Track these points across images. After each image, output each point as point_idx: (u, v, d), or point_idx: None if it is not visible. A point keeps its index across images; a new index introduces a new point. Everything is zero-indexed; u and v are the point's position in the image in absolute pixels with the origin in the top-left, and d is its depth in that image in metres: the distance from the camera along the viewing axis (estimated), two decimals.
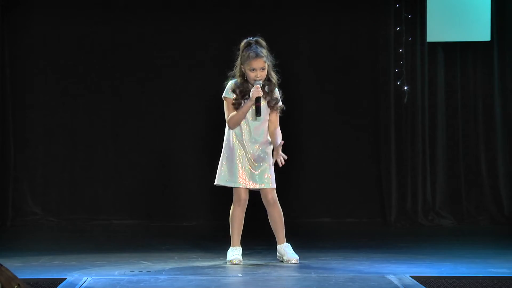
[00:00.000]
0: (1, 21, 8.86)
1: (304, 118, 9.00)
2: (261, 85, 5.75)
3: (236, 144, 5.81)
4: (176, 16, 9.02)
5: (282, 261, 5.84)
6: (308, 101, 9.02)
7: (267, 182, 5.79)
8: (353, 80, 9.10)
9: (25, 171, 9.03)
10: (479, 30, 8.69)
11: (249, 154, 5.79)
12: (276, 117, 5.88)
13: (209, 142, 8.89)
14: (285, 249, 5.86)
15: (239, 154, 5.80)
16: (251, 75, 5.76)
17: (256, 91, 5.70)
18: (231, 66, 5.92)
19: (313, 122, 9.11)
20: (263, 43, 5.85)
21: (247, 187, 5.80)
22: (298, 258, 5.81)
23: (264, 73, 5.78)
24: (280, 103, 5.87)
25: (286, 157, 5.72)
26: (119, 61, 9.06)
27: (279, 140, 5.76)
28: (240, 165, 5.79)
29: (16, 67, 8.98)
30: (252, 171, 5.78)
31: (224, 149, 5.88)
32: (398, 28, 8.89)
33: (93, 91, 9.08)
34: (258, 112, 5.72)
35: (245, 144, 5.79)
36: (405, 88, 8.90)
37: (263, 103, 5.79)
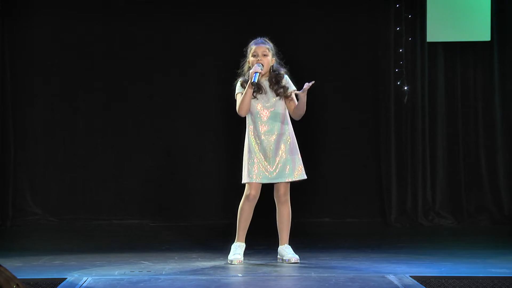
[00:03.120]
0: (1, 22, 8.86)
1: (304, 118, 8.98)
2: (261, 67, 5.74)
3: (253, 140, 5.82)
4: (179, 15, 9.02)
5: (282, 261, 5.84)
6: (307, 101, 9.00)
7: (281, 176, 5.79)
8: (353, 80, 9.10)
9: (25, 171, 9.03)
10: (479, 30, 8.69)
11: (267, 148, 5.79)
12: (291, 103, 5.86)
13: (210, 143, 8.93)
14: (286, 250, 5.87)
15: (255, 151, 5.80)
16: (253, 61, 5.78)
17: (254, 68, 5.71)
18: (234, 65, 5.92)
19: (313, 122, 9.10)
20: (270, 41, 5.89)
21: (261, 181, 5.78)
22: (298, 258, 5.81)
23: (266, 60, 5.79)
24: (290, 89, 5.85)
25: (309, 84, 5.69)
26: (119, 61, 9.06)
27: (299, 101, 5.78)
28: (256, 161, 5.78)
29: (16, 67, 8.98)
30: (268, 166, 5.78)
31: (244, 146, 5.89)
32: (398, 28, 8.90)
33: (93, 91, 9.08)
34: (253, 80, 5.68)
35: (262, 137, 5.80)
36: (405, 88, 8.90)
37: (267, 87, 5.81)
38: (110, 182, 9.10)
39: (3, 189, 8.91)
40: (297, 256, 5.83)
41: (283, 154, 5.80)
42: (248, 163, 5.81)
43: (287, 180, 5.83)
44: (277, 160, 5.79)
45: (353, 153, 9.13)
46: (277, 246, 5.95)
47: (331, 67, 9.11)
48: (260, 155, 5.79)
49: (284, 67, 5.93)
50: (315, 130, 9.12)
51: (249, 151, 5.82)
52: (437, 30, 8.72)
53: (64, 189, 9.08)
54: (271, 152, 5.79)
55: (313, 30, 9.04)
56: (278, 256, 5.91)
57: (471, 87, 9.03)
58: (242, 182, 5.87)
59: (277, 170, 5.79)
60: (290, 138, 5.86)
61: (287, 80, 5.89)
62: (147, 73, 9.08)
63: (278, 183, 5.83)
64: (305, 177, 5.89)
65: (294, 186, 8.87)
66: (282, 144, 5.81)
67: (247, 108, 5.80)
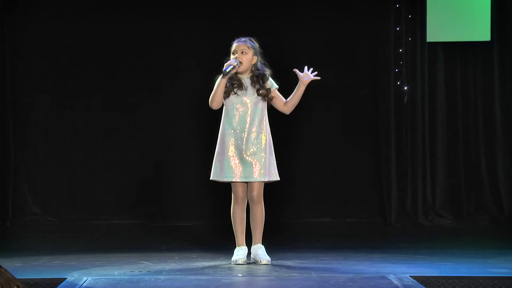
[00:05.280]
0: (1, 21, 8.86)
1: (304, 118, 8.99)
2: (237, 63, 5.71)
3: (228, 136, 5.75)
4: (174, 16, 9.03)
5: (255, 262, 5.77)
6: (307, 101, 8.98)
7: (255, 175, 5.71)
8: (353, 80, 9.10)
9: (25, 171, 9.03)
10: (479, 30, 8.69)
11: (242, 145, 5.72)
12: (278, 99, 5.82)
13: (209, 142, 8.90)
14: (258, 251, 5.79)
15: (230, 147, 5.73)
16: (232, 58, 5.76)
17: (229, 62, 5.69)
18: (219, 64, 5.91)
19: (313, 122, 9.11)
20: (255, 41, 5.86)
21: (236, 180, 5.71)
22: (269, 259, 5.73)
23: (245, 58, 5.75)
24: (273, 87, 5.80)
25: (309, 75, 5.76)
26: (118, 61, 9.06)
27: (295, 92, 5.82)
28: (231, 158, 5.72)
29: (16, 67, 8.98)
30: (243, 163, 5.71)
31: (217, 143, 5.83)
32: (398, 28, 8.90)
33: (93, 91, 9.08)
34: (224, 70, 5.66)
35: (239, 135, 5.74)
36: (405, 88, 8.91)
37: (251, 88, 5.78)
38: (110, 182, 9.10)
39: (3, 189, 8.91)
40: (268, 258, 5.73)
41: (258, 153, 5.74)
42: (221, 160, 5.75)
43: (260, 180, 5.72)
44: (252, 159, 5.72)
45: (353, 153, 9.12)
46: (251, 247, 5.86)
47: (330, 67, 9.10)
48: (234, 152, 5.73)
49: (269, 68, 5.89)
50: (314, 130, 9.12)
51: (223, 148, 5.75)
52: (437, 30, 8.72)
53: (64, 189, 9.08)
54: (246, 150, 5.72)
55: (313, 30, 9.03)
56: (252, 256, 5.81)
57: (471, 87, 9.03)
58: (211, 178, 5.79)
59: (251, 168, 5.70)
60: (266, 138, 5.79)
61: (270, 81, 5.85)
62: (147, 74, 9.08)
63: (252, 182, 5.74)
64: (278, 178, 5.80)
65: (294, 186, 8.92)
66: (259, 143, 5.74)
67: (219, 100, 5.75)
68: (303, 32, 9.04)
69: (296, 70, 5.79)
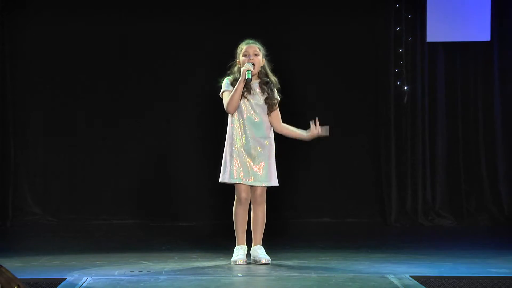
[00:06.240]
0: (1, 21, 8.86)
1: (304, 118, 8.98)
2: (253, 66, 5.72)
3: (235, 139, 5.78)
4: (175, 15, 9.03)
5: (254, 262, 5.78)
6: (308, 101, 9.02)
7: (259, 180, 5.75)
8: (353, 80, 9.10)
9: (25, 171, 9.04)
10: (479, 30, 8.70)
11: (249, 149, 5.75)
12: (277, 113, 5.86)
13: (209, 142, 8.93)
14: (258, 251, 5.81)
15: (237, 149, 5.75)
16: (244, 60, 5.76)
17: (246, 66, 5.69)
18: (229, 65, 5.91)
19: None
20: (261, 45, 5.87)
21: (244, 182, 5.74)
22: (269, 259, 5.76)
23: (257, 59, 5.77)
24: (277, 98, 5.84)
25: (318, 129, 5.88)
26: (118, 61, 9.07)
27: (297, 130, 5.90)
28: (236, 160, 5.75)
29: (16, 67, 8.98)
30: (251, 166, 5.74)
31: (225, 145, 5.86)
32: (398, 28, 8.90)
33: (93, 91, 9.09)
34: (247, 77, 5.66)
35: (249, 138, 5.76)
36: (405, 88, 8.91)
37: (261, 95, 5.80)
38: (110, 182, 9.10)
39: (3, 189, 8.91)
40: (268, 257, 5.76)
41: (265, 157, 5.78)
42: (229, 162, 5.78)
43: (265, 185, 5.78)
44: (259, 163, 5.76)
45: (353, 153, 9.13)
46: (251, 248, 5.87)
47: (330, 67, 9.11)
48: (244, 155, 5.76)
49: (274, 76, 5.89)
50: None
51: (231, 150, 5.77)
52: (437, 30, 8.73)
53: (64, 189, 9.08)
54: (255, 153, 5.76)
55: (313, 30, 9.04)
56: (251, 257, 5.84)
57: (471, 87, 9.04)
58: (220, 181, 5.82)
59: (258, 172, 5.75)
60: (271, 143, 5.84)
61: (276, 93, 5.87)
62: (147, 73, 9.08)
63: (255, 186, 5.78)
64: (278, 184, 5.84)
65: (294, 186, 8.92)
66: (266, 148, 5.79)
67: (237, 105, 5.76)
68: (303, 32, 9.04)
69: (312, 126, 5.92)
